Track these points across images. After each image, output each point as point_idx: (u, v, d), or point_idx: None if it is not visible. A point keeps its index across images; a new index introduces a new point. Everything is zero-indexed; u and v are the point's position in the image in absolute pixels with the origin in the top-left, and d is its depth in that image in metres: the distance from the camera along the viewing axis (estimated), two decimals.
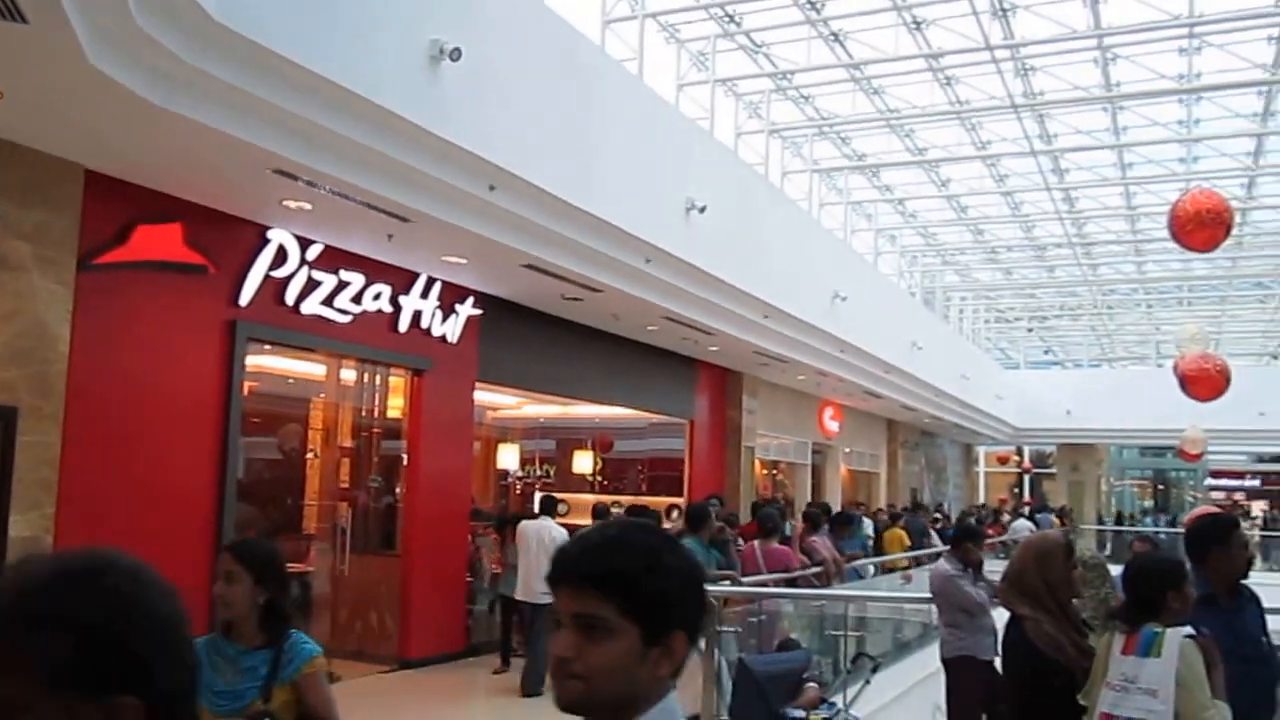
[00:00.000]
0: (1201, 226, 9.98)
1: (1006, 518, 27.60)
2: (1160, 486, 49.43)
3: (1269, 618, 4.50)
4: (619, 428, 17.98)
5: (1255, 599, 4.45)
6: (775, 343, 15.03)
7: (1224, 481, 48.07)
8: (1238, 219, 22.53)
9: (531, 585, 9.96)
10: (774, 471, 21.97)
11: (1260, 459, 46.41)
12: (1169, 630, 3.78)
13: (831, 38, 15.78)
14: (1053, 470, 37.33)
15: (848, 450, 24.60)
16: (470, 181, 8.11)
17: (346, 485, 11.16)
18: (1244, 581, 4.46)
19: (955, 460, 34.72)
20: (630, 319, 12.98)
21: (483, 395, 12.91)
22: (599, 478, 18.32)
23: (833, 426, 22.53)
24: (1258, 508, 43.17)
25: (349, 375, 10.83)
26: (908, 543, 16.44)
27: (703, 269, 11.64)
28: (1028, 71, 16.82)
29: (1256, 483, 48.10)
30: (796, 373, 17.78)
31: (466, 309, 11.14)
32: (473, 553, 12.17)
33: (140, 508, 7.59)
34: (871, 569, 13.94)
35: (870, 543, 16.15)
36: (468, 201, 8.34)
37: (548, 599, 8.40)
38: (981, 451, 39.27)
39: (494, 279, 10.91)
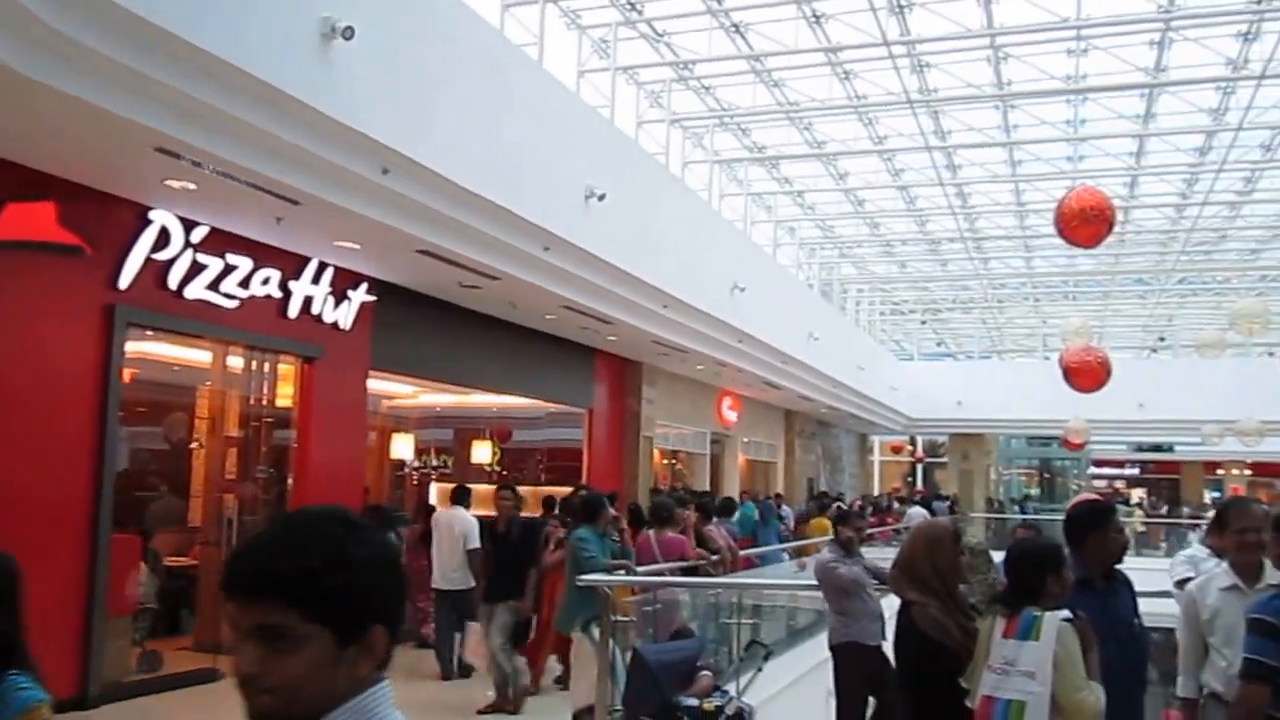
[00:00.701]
0: (1086, 223, 10.17)
1: (897, 505, 28.17)
2: (1046, 475, 50.76)
3: (1140, 601, 4.65)
4: (518, 417, 17.85)
5: (1128, 582, 4.61)
6: (674, 333, 15.04)
7: (1106, 470, 49.58)
8: (1120, 217, 23.21)
9: (443, 573, 10.34)
10: (673, 461, 22.02)
11: (1139, 448, 47.97)
12: (1048, 614, 3.88)
13: (733, 29, 15.82)
14: (944, 459, 38.06)
15: (746, 440, 24.76)
16: (363, 164, 7.92)
17: (234, 476, 10.85)
18: (1118, 566, 4.60)
19: (851, 450, 35.21)
20: (528, 307, 12.87)
21: (377, 384, 12.67)
22: (498, 468, 18.14)
23: (731, 416, 22.66)
24: (1137, 495, 44.56)
25: (236, 362, 10.51)
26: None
27: (602, 258, 11.57)
28: (923, 68, 17.06)
29: (1136, 471, 49.72)
30: (695, 362, 17.82)
31: (359, 295, 10.93)
32: None
33: (8, 499, 7.28)
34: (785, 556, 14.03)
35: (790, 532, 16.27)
36: (360, 184, 8.15)
37: (450, 585, 8.33)
38: (876, 441, 39.87)
39: (388, 265, 10.72)
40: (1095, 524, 4.56)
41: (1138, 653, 4.41)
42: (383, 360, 11.64)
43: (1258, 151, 20.10)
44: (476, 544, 10.06)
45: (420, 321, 12.09)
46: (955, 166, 21.24)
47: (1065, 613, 3.90)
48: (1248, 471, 45.22)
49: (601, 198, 11.14)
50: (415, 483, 17.62)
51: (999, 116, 18.85)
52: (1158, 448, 47.17)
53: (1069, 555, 4.28)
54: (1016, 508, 33.19)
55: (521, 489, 11.96)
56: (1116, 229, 23.97)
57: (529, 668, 9.60)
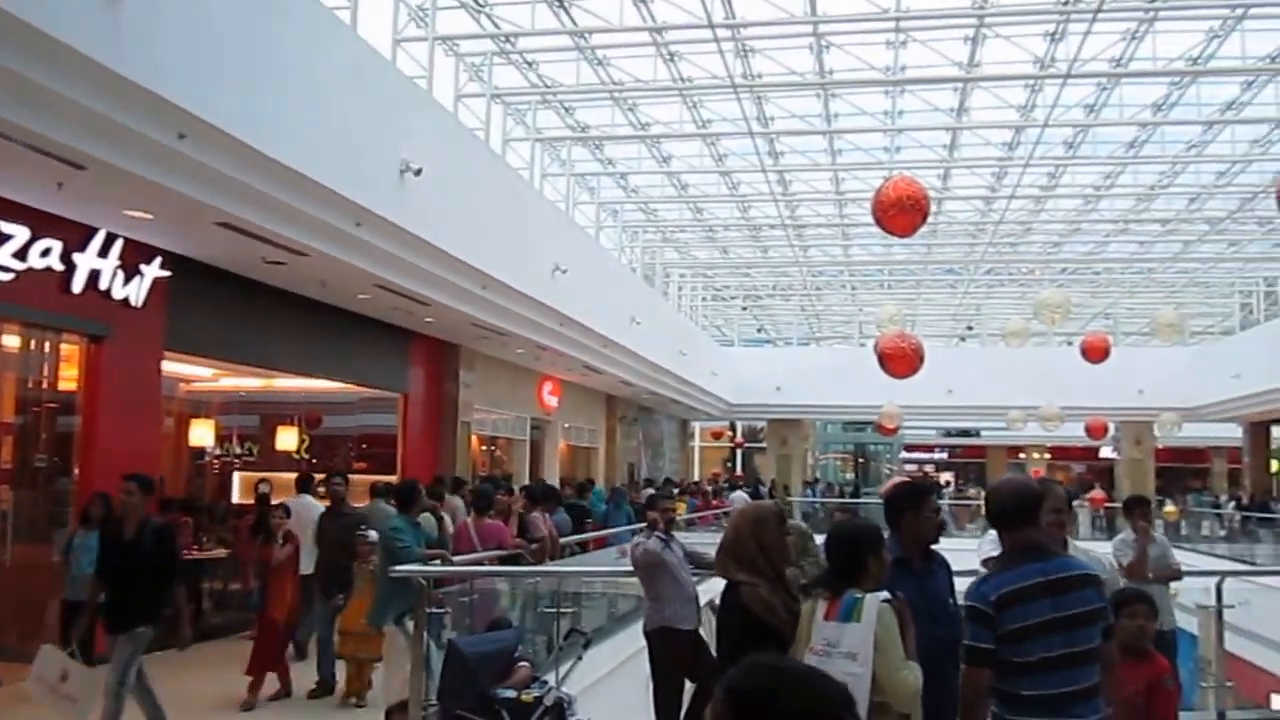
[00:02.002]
0: (902, 212, 10.27)
1: (709, 488, 28.51)
2: (861, 460, 52.29)
3: (956, 580, 4.69)
4: (328, 402, 17.16)
5: (944, 563, 4.68)
6: (494, 315, 14.65)
7: (917, 455, 51.41)
8: (933, 208, 23.89)
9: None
10: (492, 447, 21.63)
11: (949, 433, 49.85)
12: (868, 595, 3.85)
13: (557, 3, 15.50)
14: (763, 445, 38.64)
15: (567, 425, 24.54)
16: (156, 127, 7.32)
17: (9, 466, 10.01)
18: (934, 546, 4.65)
19: (672, 435, 35.38)
20: (339, 286, 12.29)
21: (174, 366, 11.96)
22: (307, 455, 17.42)
23: (552, 402, 22.39)
24: (945, 478, 46.29)
25: (11, 341, 9.67)
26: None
27: (418, 235, 11.13)
28: (748, 53, 17.07)
29: (944, 455, 51.72)
30: (515, 346, 17.47)
31: (153, 270, 10.18)
32: None
33: None
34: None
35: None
36: (153, 149, 7.53)
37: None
38: (697, 427, 40.22)
39: (185, 238, 10.03)
40: (912, 504, 4.58)
41: (952, 630, 4.36)
42: (179, 341, 10.94)
43: (1061, 148, 20.88)
44: None
45: (221, 300, 11.40)
46: (777, 153, 21.41)
47: (884, 594, 3.88)
48: (1048, 455, 47.50)
49: (418, 172, 10.70)
50: (217, 472, 16.73)
51: (820, 105, 19.04)
52: (965, 432, 49.13)
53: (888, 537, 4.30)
54: (809, 490, 33.80)
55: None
56: (929, 220, 24.79)
57: (254, 678, 8.84)
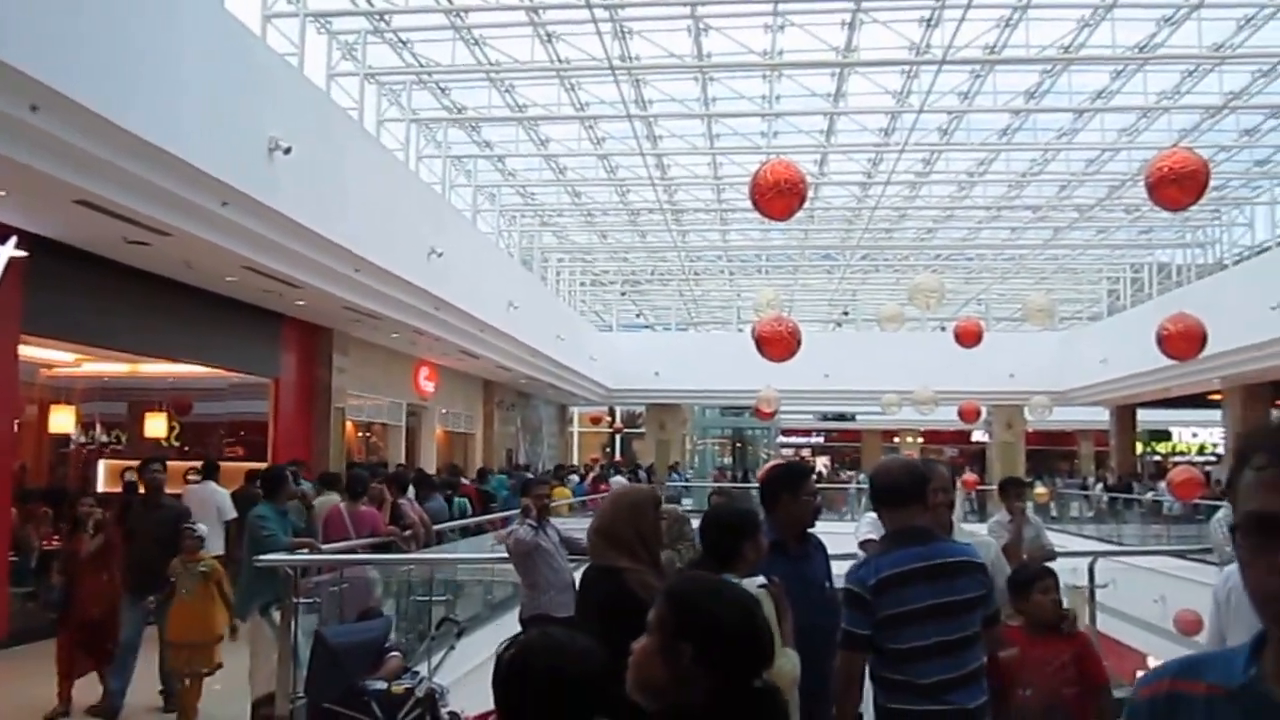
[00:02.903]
0: (779, 196, 10.22)
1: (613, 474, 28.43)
2: (739, 444, 52.67)
3: (832, 564, 4.67)
4: (197, 388, 16.63)
5: (821, 546, 4.64)
6: (367, 298, 14.32)
7: (794, 439, 52.01)
8: (810, 193, 24.09)
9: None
10: (367, 434, 21.22)
11: (825, 417, 50.54)
12: (744, 581, 3.68)
13: None
14: (642, 430, 38.67)
15: (444, 411, 24.21)
16: (6, 98, 6.95)
17: None
18: (810, 530, 4.62)
19: (550, 421, 35.18)
20: (206, 268, 11.86)
21: (32, 351, 11.44)
22: (176, 443, 16.86)
23: (428, 387, 22.05)
24: (821, 463, 46.96)
25: None
26: None
27: (287, 216, 10.81)
28: (626, 35, 16.96)
29: (821, 439, 52.45)
30: (390, 330, 17.13)
31: (7, 250, 9.64)
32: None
33: None
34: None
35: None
36: (3, 122, 7.15)
37: None
38: (576, 412, 40.09)
39: (41, 216, 9.55)
40: (789, 486, 4.51)
41: (829, 615, 4.33)
42: (37, 324, 10.48)
43: (936, 135, 21.23)
44: (234, 514, 9.89)
45: (81, 281, 10.91)
46: (656, 137, 21.35)
47: (760, 579, 3.78)
48: (921, 439, 48.49)
49: (287, 151, 10.38)
50: (82, 460, 16.09)
51: (698, 88, 19.02)
52: (841, 416, 49.83)
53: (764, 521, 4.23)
54: (673, 475, 33.82)
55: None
56: (806, 205, 24.93)
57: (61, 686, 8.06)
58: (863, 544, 8.01)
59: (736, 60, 18.05)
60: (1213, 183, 12.69)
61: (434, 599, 8.32)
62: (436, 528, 11.47)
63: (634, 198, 25.82)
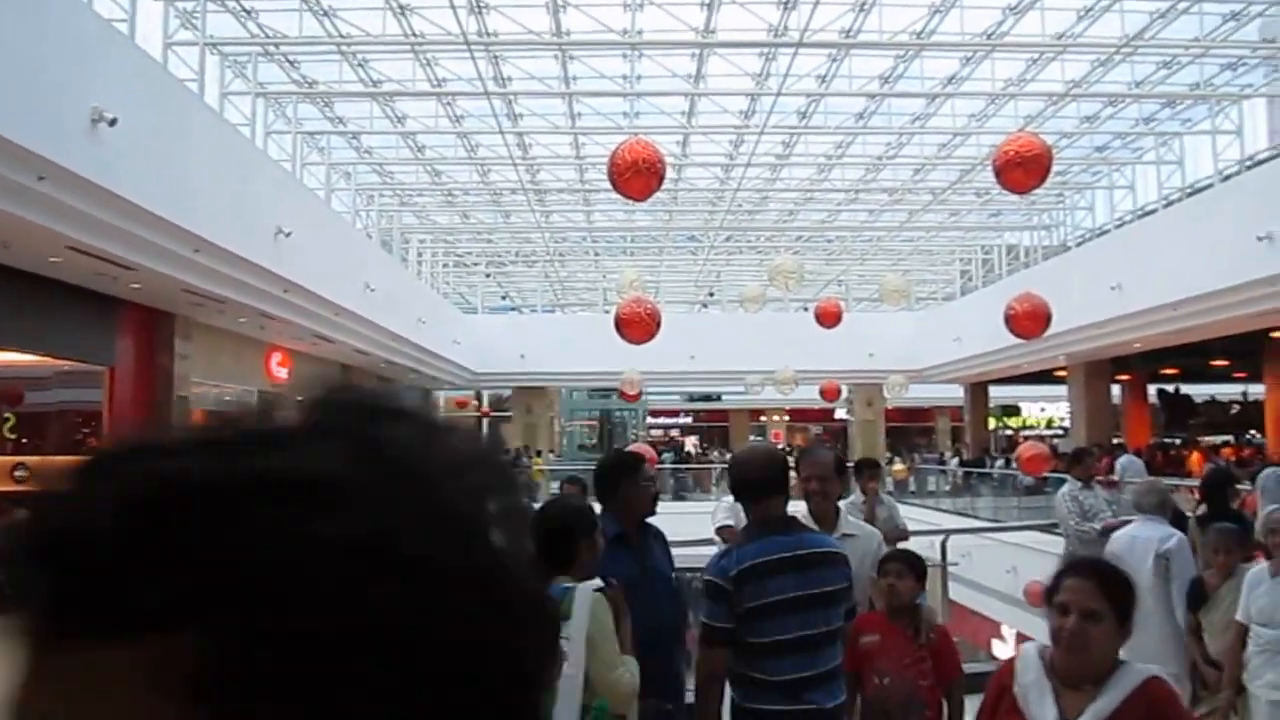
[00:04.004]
0: (638, 175, 10.07)
1: None
2: (607, 426, 52.67)
3: (680, 549, 4.73)
4: (26, 377, 15.72)
5: (660, 535, 4.45)
6: (209, 280, 13.65)
7: (662, 420, 52.26)
8: (673, 175, 24.04)
9: None
10: None
11: (691, 398, 50.87)
12: (580, 586, 3.44)
13: None
14: (509, 413, 38.29)
15: (300, 399, 23.43)
16: None
17: None
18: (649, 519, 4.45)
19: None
20: (25, 248, 11.10)
21: None
22: (14, 435, 15.91)
23: (281, 373, 21.30)
24: (690, 442, 47.23)
25: None
26: None
27: (116, 193, 10.17)
28: (482, 10, 16.57)
29: (689, 420, 52.80)
30: (237, 314, 16.43)
31: None
32: None
33: None
34: None
35: None
36: None
37: None
38: (441, 396, 39.51)
39: None
40: (629, 473, 4.33)
41: (675, 607, 4.26)
42: None
43: (794, 118, 21.32)
44: None
45: None
46: (516, 115, 20.99)
47: (597, 582, 3.50)
48: (787, 417, 49.12)
49: (112, 122, 9.76)
50: None
51: (558, 66, 18.72)
52: (707, 397, 50.20)
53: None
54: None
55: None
56: (670, 187, 24.94)
57: None
58: (720, 530, 7.95)
59: (596, 38, 17.80)
60: (1056, 168, 12.93)
61: None
62: None
63: (496, 177, 25.41)
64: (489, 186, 26.13)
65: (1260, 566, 5.55)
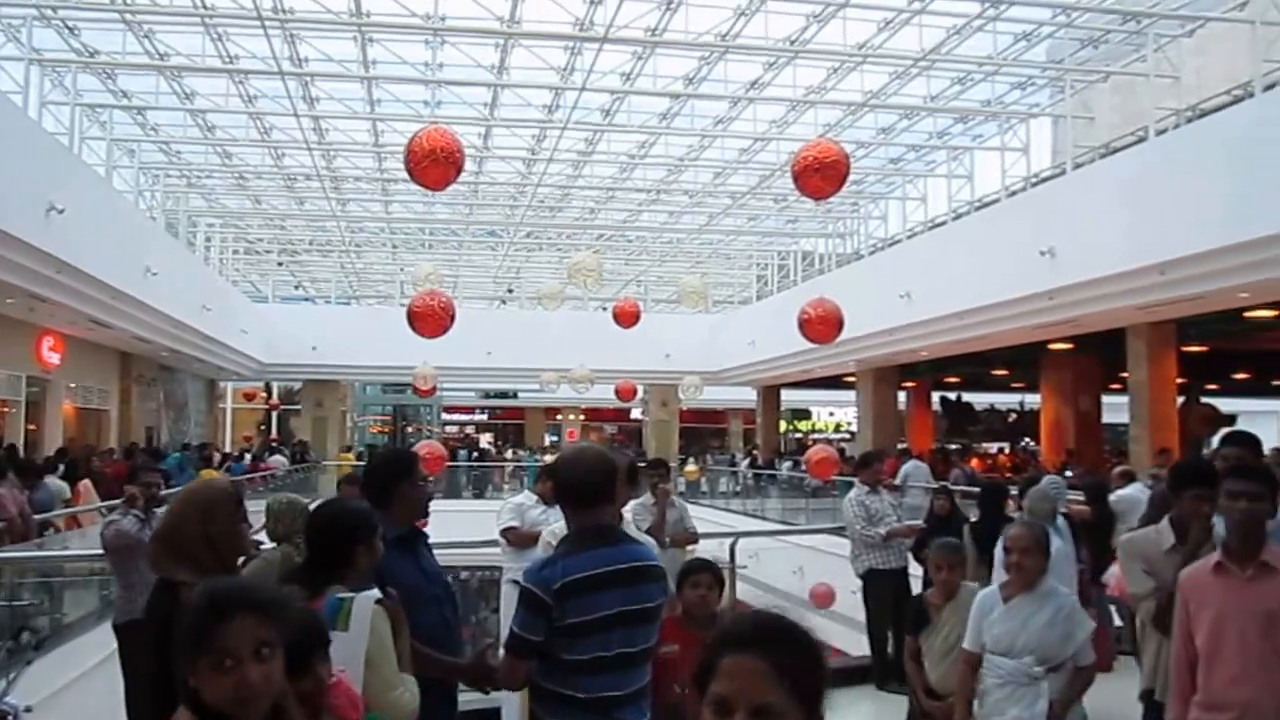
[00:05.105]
0: (435, 164, 9.79)
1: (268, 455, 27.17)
2: (402, 421, 51.80)
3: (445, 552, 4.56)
4: None
5: (424, 536, 4.18)
6: None
7: (457, 416, 51.73)
8: (474, 167, 23.71)
9: None
10: None
11: (488, 395, 50.51)
12: (358, 596, 3.18)
13: None
14: (299, 407, 37.16)
15: (73, 385, 22.13)
16: None
17: None
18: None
19: (198, 397, 33.04)
20: None
21: None
22: None
23: (53, 359, 20.03)
24: (485, 439, 46.87)
25: None
26: None
27: None
28: None
29: (485, 417, 52.45)
30: (5, 295, 15.33)
31: None
32: None
33: None
34: None
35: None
36: None
37: None
38: (229, 387, 38.04)
39: None
40: (406, 473, 4.04)
41: (455, 611, 4.07)
42: None
43: (598, 114, 21.28)
44: None
45: None
46: (313, 98, 20.26)
47: (375, 592, 3.25)
48: (583, 416, 49.27)
49: None
50: None
51: (357, 49, 18.14)
52: (504, 394, 49.93)
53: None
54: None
55: None
56: (471, 180, 24.62)
57: None
58: (504, 532, 7.78)
59: (397, 21, 17.34)
60: (852, 178, 13.24)
61: (14, 604, 7.31)
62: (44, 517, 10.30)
63: (290, 162, 24.49)
64: (283, 171, 25.17)
65: (989, 589, 5.05)
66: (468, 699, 4.25)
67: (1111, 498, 9.90)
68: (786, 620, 1.82)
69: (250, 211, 29.98)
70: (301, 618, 2.65)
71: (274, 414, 42.58)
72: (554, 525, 5.54)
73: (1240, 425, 20.32)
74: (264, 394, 40.21)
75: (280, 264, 36.29)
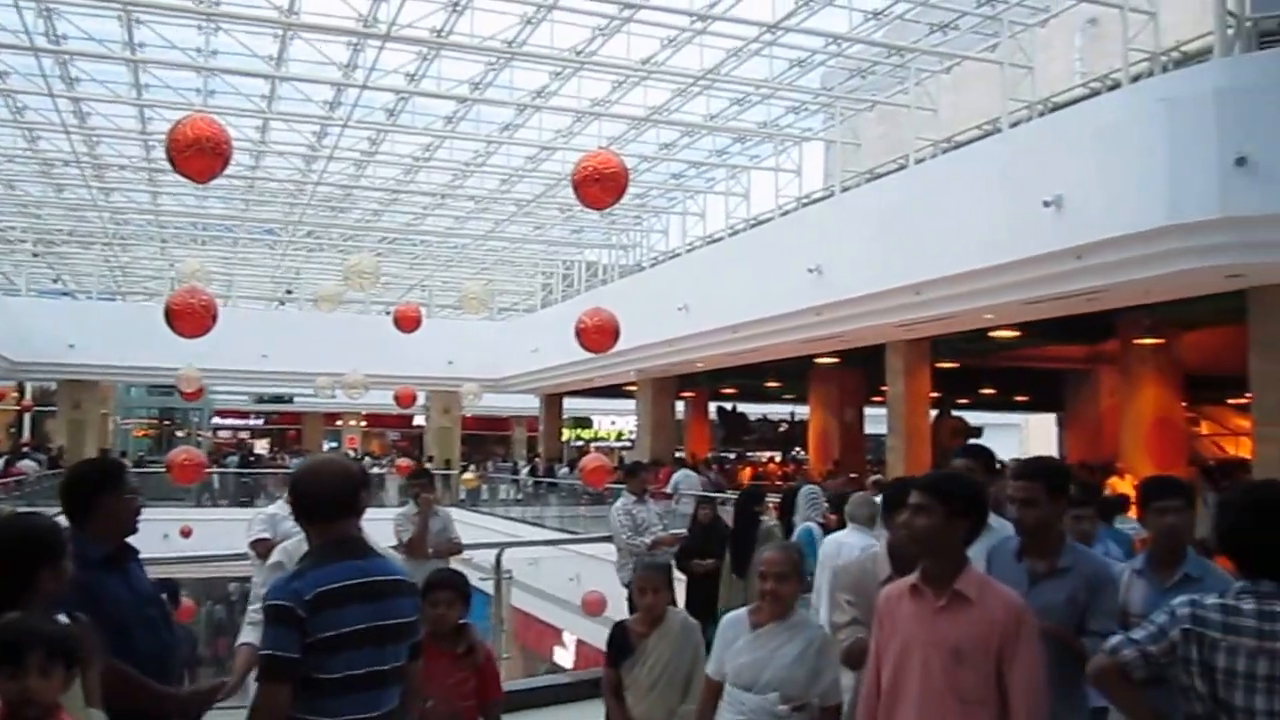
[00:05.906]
0: (199, 154, 9.26)
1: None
2: (168, 425, 49.48)
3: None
4: None
5: (135, 553, 3.83)
6: None
7: (230, 421, 49.76)
8: (251, 162, 22.84)
9: None
10: None
11: (262, 399, 48.79)
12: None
13: None
14: (55, 408, 34.99)
15: None
16: None
17: None
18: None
19: None
20: None
21: None
22: None
23: None
24: (260, 445, 45.31)
25: None
26: None
27: None
28: None
29: (260, 422, 50.63)
30: None
31: None
32: None
33: None
34: None
35: None
36: None
37: None
38: None
39: None
40: (112, 485, 3.74)
41: (174, 632, 3.86)
42: None
43: (382, 114, 20.81)
44: None
45: None
46: (72, 79, 19.03)
47: (63, 617, 2.90)
48: (364, 423, 48.18)
49: None
50: None
51: (122, 30, 17.14)
52: (279, 399, 48.33)
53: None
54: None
55: None
56: (247, 174, 23.68)
57: None
58: (254, 544, 7.41)
59: (166, 2, 16.48)
60: (635, 191, 13.35)
61: None
62: None
63: (46, 146, 22.93)
64: (38, 155, 23.54)
65: (736, 614, 4.58)
66: None
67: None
68: None
69: (2, 198, 27.94)
70: None
71: (26, 416, 40.04)
72: (296, 539, 5.22)
73: (986, 437, 21.60)
74: (15, 394, 37.76)
75: (35, 255, 33.97)
